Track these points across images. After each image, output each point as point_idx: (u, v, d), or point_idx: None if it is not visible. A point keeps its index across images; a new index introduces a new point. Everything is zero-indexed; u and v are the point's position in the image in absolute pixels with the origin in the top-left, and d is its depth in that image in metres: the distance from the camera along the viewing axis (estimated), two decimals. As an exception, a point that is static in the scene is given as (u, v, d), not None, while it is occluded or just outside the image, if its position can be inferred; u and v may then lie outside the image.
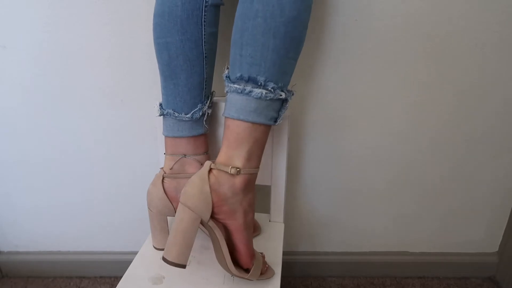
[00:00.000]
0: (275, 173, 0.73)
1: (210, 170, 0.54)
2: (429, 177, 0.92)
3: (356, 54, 0.78)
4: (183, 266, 0.53)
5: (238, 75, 0.54)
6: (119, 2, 0.75)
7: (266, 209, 0.79)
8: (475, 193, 0.94)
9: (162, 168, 0.67)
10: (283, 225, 0.76)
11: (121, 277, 0.62)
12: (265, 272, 0.61)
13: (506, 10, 0.74)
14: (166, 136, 0.66)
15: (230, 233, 0.56)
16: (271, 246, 0.69)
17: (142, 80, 0.82)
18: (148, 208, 0.66)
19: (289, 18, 0.52)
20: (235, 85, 0.54)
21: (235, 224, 0.55)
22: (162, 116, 0.65)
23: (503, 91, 0.82)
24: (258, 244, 0.70)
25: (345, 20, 0.75)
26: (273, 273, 0.62)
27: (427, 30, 0.76)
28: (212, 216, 0.54)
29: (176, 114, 0.63)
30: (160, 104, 0.65)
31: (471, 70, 0.80)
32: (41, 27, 0.77)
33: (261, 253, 0.62)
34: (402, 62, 0.79)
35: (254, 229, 0.71)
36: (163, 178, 0.65)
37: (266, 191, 0.77)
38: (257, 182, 0.75)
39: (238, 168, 0.54)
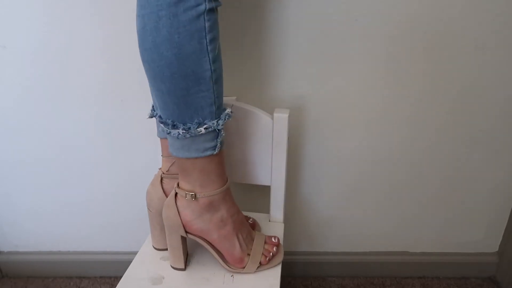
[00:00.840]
0: (275, 173, 0.73)
1: (176, 194, 0.58)
2: (429, 177, 0.92)
3: (356, 54, 0.78)
4: (182, 269, 0.63)
5: (158, 116, 0.55)
6: (119, 2, 0.75)
7: (266, 209, 0.79)
8: (475, 193, 0.94)
9: (160, 168, 0.67)
10: (283, 225, 0.76)
11: (121, 277, 0.62)
12: (268, 262, 0.62)
13: (505, 11, 0.74)
14: (161, 138, 0.66)
15: (212, 243, 0.60)
16: (271, 246, 0.69)
17: (142, 80, 0.82)
18: (148, 208, 0.66)
19: (170, 57, 0.47)
20: (161, 125, 0.54)
21: (211, 239, 0.59)
22: (155, 118, 0.65)
23: (503, 91, 0.82)
24: (258, 244, 0.70)
25: (345, 20, 0.75)
26: (280, 259, 0.64)
27: (427, 30, 0.76)
28: (188, 232, 0.59)
29: None
30: (153, 106, 0.65)
31: (471, 70, 0.80)
32: (41, 27, 0.77)
33: (273, 237, 0.65)
34: (402, 62, 0.79)
35: (252, 228, 0.71)
36: (161, 179, 0.65)
37: (266, 191, 0.77)
38: (257, 182, 0.76)
39: (193, 193, 0.56)
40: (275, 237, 0.65)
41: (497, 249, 1.02)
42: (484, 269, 1.03)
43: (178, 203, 0.58)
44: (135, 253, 0.69)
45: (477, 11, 0.74)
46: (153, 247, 0.69)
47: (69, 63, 0.81)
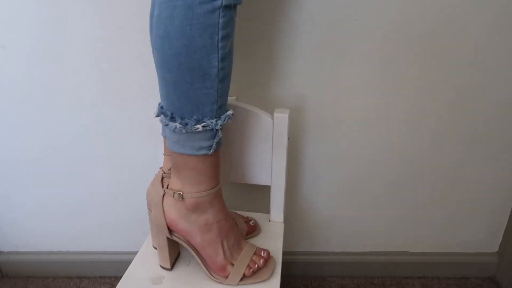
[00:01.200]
0: (275, 173, 0.73)
1: (164, 193, 0.58)
2: (429, 178, 0.92)
3: (356, 54, 0.78)
4: (168, 269, 0.63)
5: (160, 105, 0.55)
6: (119, 2, 0.75)
7: (266, 209, 0.79)
8: (475, 193, 0.94)
9: (161, 168, 0.67)
10: (283, 225, 0.76)
11: (121, 277, 0.62)
12: (252, 273, 0.58)
13: (505, 11, 0.74)
14: (164, 137, 0.66)
15: (195, 248, 0.59)
16: (271, 246, 0.69)
17: (142, 80, 0.82)
18: (148, 208, 0.66)
19: (179, 48, 0.47)
20: (161, 115, 0.54)
21: (195, 242, 0.58)
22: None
23: (502, 91, 0.82)
24: (258, 244, 0.70)
25: (345, 20, 0.75)
26: (268, 275, 0.60)
27: (427, 31, 0.76)
28: (172, 234, 0.58)
29: None
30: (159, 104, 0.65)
31: (471, 70, 0.80)
32: (41, 27, 0.77)
33: (264, 250, 0.61)
34: (402, 62, 0.79)
35: (253, 229, 0.71)
36: (162, 178, 0.65)
37: (266, 191, 0.77)
38: (257, 182, 0.76)
39: (180, 193, 0.56)
40: (265, 250, 0.62)
41: (497, 249, 1.02)
42: (484, 269, 1.03)
43: (164, 202, 0.57)
44: (135, 253, 0.69)
45: (477, 11, 0.74)
46: (153, 247, 0.69)
47: (69, 63, 0.81)
